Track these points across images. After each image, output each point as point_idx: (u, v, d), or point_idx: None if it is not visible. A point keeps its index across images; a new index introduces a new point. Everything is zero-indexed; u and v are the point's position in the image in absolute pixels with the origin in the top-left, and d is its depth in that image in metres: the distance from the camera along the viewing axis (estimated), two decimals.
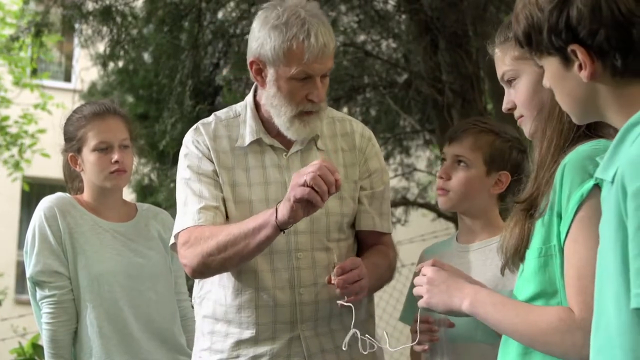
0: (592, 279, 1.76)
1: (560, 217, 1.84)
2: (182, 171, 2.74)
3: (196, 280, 2.79)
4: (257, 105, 2.75)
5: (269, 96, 2.65)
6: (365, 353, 2.52)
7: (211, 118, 2.79)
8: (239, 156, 2.72)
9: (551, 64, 1.64)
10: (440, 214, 8.60)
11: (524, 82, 2.01)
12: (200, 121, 2.80)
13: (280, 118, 2.65)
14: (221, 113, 2.81)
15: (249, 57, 2.67)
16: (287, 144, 2.73)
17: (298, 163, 2.71)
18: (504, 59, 2.05)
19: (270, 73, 2.63)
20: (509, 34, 2.03)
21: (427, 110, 7.97)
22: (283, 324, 2.64)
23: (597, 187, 1.78)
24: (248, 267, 2.64)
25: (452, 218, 7.27)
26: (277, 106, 2.65)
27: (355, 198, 2.77)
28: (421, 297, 2.12)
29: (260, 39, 2.62)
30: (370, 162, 2.81)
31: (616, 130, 1.55)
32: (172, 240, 2.72)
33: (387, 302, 9.39)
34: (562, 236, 1.83)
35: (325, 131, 2.78)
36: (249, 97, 2.78)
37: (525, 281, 1.93)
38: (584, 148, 1.85)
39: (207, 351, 2.71)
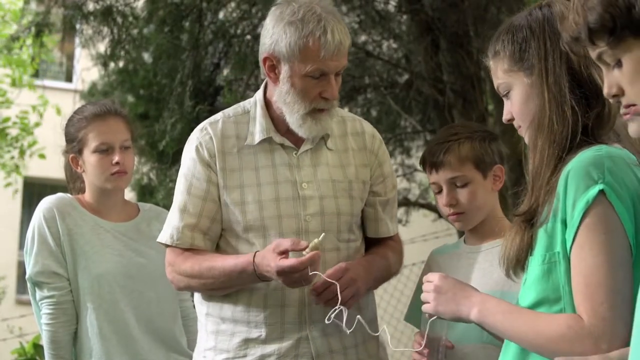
0: (600, 286, 1.76)
1: (564, 224, 1.83)
2: (179, 175, 2.74)
3: None
4: (267, 103, 2.72)
5: (282, 93, 2.62)
6: (348, 332, 2.50)
7: (219, 116, 2.75)
8: (247, 155, 2.68)
9: (637, 50, 1.55)
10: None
11: (515, 94, 2.00)
12: (208, 120, 2.76)
13: (293, 115, 2.62)
14: (229, 110, 2.77)
15: (262, 54, 2.64)
16: (297, 142, 2.70)
17: (308, 161, 2.69)
18: (497, 72, 2.04)
19: (284, 69, 2.59)
20: (497, 46, 2.02)
21: (428, 111, 7.98)
22: (291, 324, 2.62)
23: (602, 193, 1.78)
24: None
25: None
26: (289, 103, 2.61)
27: (364, 199, 2.75)
28: (427, 302, 2.11)
29: (275, 35, 2.58)
30: (384, 166, 2.79)
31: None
32: (159, 239, 2.73)
33: (388, 303, 9.40)
34: (568, 243, 1.83)
35: (335, 130, 2.75)
36: (259, 94, 2.74)
37: (528, 288, 1.92)
38: (586, 154, 1.84)
39: (212, 350, 2.69)
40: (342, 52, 2.58)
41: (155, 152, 7.12)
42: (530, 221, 1.91)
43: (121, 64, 7.56)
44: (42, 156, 10.61)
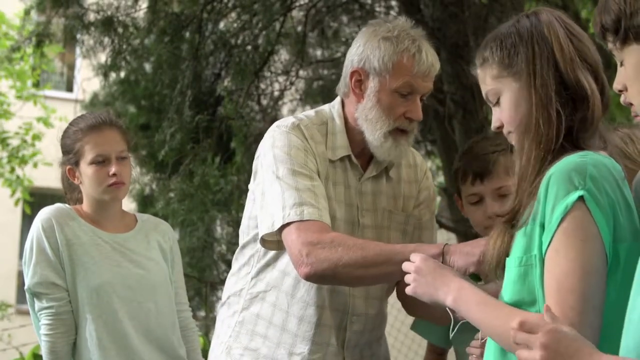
0: (571, 291, 1.78)
1: (543, 227, 1.85)
2: (284, 162, 2.53)
3: (245, 274, 2.71)
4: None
5: (366, 109, 2.60)
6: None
7: (305, 120, 2.65)
8: (329, 167, 2.63)
9: (636, 52, 1.70)
10: (441, 225, 8.60)
11: (505, 99, 2.02)
12: (295, 119, 2.64)
13: (376, 132, 2.59)
14: (308, 119, 2.66)
15: (351, 68, 2.62)
16: (364, 166, 2.67)
17: (369, 189, 2.66)
18: (485, 79, 2.06)
19: (372, 84, 2.59)
20: (485, 54, 2.05)
21: (428, 121, 7.96)
22: (334, 346, 2.62)
23: (582, 199, 1.79)
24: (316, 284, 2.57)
25: (454, 229, 7.25)
26: (372, 119, 2.59)
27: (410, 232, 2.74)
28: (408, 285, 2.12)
29: (368, 50, 2.59)
30: (421, 193, 2.76)
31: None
32: (277, 225, 2.46)
33: (389, 313, 9.36)
34: (544, 246, 1.84)
35: None
36: (338, 110, 2.69)
37: (505, 289, 1.94)
38: (570, 159, 1.85)
39: (254, 352, 2.65)
40: (431, 75, 2.62)
41: (154, 162, 7.11)
42: (512, 222, 1.93)
43: (122, 74, 7.57)
44: (47, 164, 10.61)
